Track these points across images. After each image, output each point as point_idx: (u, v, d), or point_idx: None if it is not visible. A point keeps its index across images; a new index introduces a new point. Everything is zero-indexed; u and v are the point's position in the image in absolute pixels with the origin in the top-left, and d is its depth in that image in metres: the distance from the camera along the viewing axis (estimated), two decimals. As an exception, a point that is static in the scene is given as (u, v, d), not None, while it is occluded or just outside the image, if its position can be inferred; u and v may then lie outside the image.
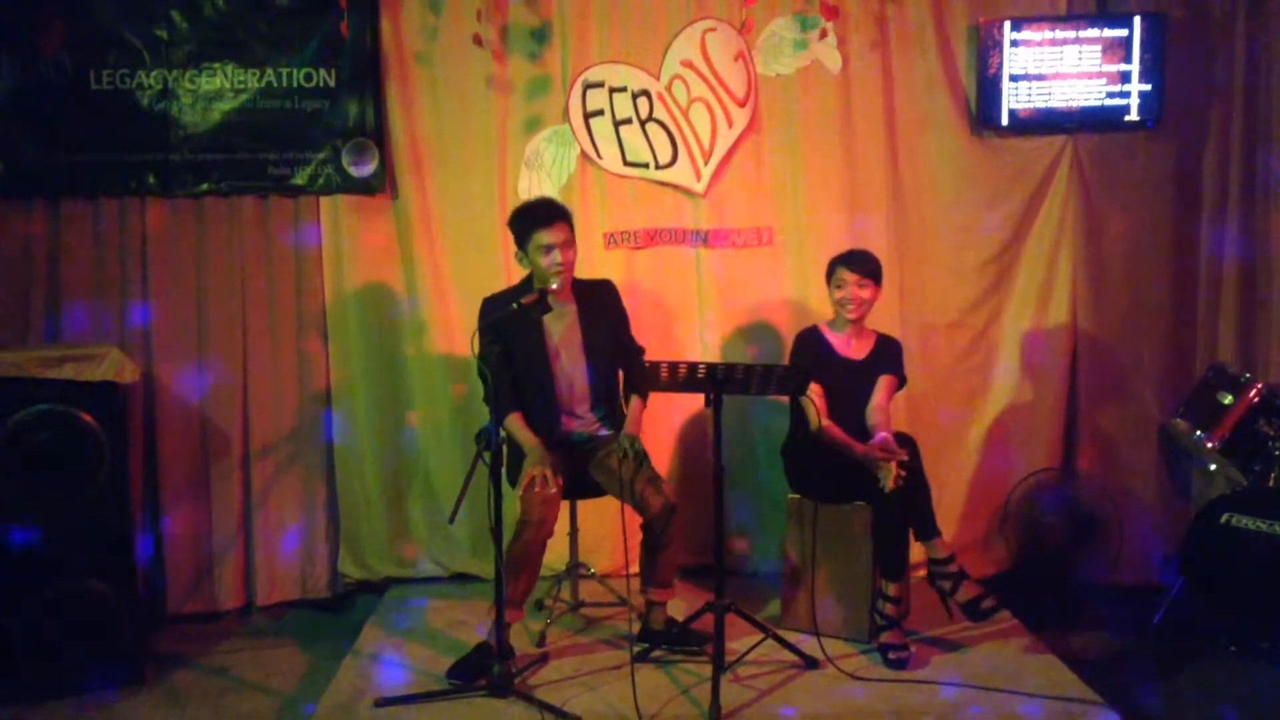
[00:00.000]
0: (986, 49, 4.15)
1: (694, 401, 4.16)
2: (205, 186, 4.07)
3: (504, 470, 3.17)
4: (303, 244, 4.18)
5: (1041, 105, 4.16)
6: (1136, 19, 4.09)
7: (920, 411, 4.26)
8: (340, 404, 4.22)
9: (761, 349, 4.28)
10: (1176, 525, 4.12)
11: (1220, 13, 4.16)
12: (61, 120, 3.99)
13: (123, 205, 4.08)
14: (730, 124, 4.21)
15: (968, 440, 4.33)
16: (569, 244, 3.45)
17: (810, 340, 3.69)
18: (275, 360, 4.19)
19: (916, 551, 3.58)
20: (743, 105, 4.21)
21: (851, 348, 3.66)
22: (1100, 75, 4.14)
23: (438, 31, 4.14)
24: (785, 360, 3.88)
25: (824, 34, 4.17)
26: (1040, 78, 4.15)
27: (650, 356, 3.58)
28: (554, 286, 3.37)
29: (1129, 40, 4.10)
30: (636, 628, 3.50)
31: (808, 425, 3.57)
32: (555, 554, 3.96)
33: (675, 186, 4.25)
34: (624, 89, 4.19)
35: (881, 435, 3.38)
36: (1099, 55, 4.13)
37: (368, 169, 4.13)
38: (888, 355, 3.68)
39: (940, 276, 4.30)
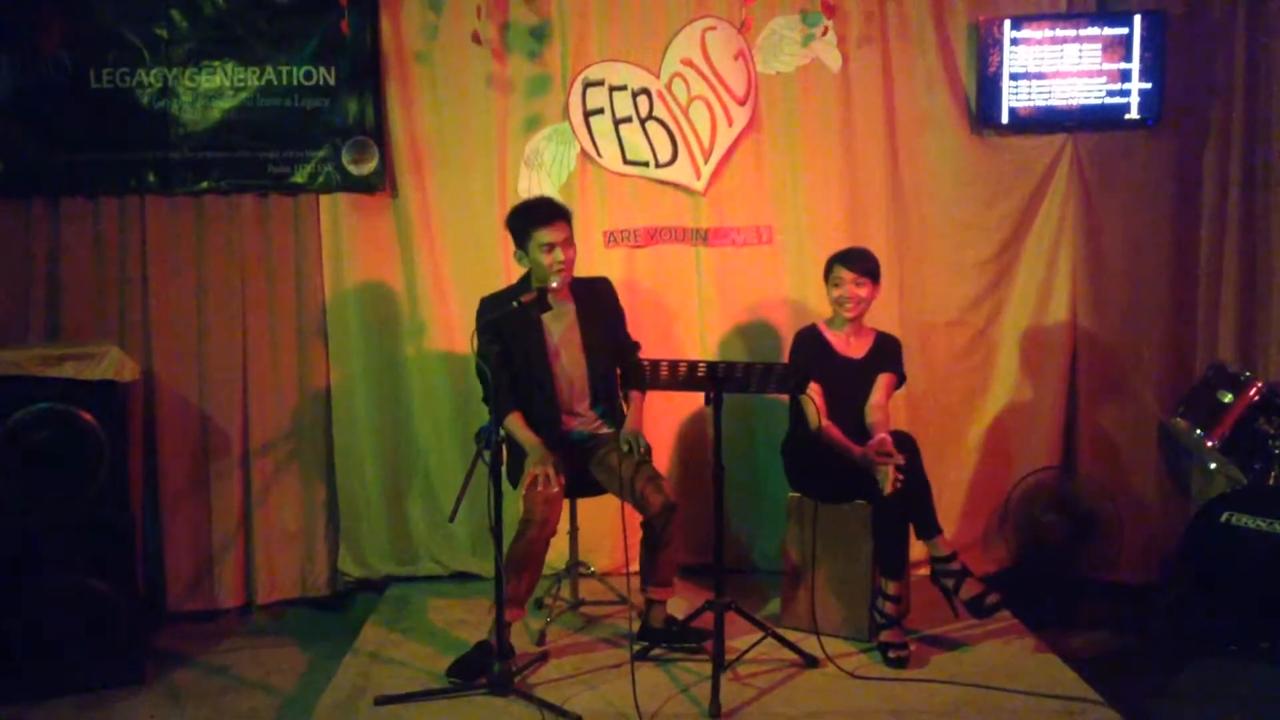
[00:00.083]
0: (986, 47, 4.15)
1: (693, 400, 4.16)
2: (205, 185, 4.07)
3: (504, 470, 3.17)
4: (303, 242, 4.18)
5: (1041, 104, 4.16)
6: (1137, 17, 4.09)
7: (920, 410, 4.26)
8: (340, 402, 4.22)
9: (761, 347, 4.27)
10: (1176, 524, 4.11)
11: (1220, 11, 4.15)
12: (61, 119, 3.99)
13: (122, 204, 4.08)
14: (730, 122, 4.21)
15: (968, 439, 4.33)
16: (569, 242, 3.45)
17: (809, 339, 3.69)
18: (275, 359, 4.19)
19: (916, 550, 3.59)
20: (743, 104, 4.21)
21: (850, 346, 3.66)
22: (1100, 74, 4.13)
23: (438, 30, 4.13)
24: (784, 359, 3.88)
25: (824, 32, 4.17)
26: (1040, 76, 4.14)
27: (650, 355, 3.58)
28: (554, 285, 3.36)
29: (1129, 39, 4.10)
30: (636, 626, 3.50)
31: (807, 424, 3.57)
32: (555, 552, 3.95)
33: (675, 185, 4.25)
34: (624, 87, 4.19)
35: (879, 437, 3.38)
36: (1099, 53, 4.13)
37: (367, 167, 4.13)
38: (887, 353, 3.67)
39: (940, 275, 4.30)
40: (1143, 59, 4.09)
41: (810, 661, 3.33)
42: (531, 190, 4.14)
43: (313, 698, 3.20)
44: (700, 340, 4.29)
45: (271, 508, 4.22)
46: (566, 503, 3.67)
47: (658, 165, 4.22)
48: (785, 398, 3.82)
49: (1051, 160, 4.24)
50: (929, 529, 3.44)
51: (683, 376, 3.11)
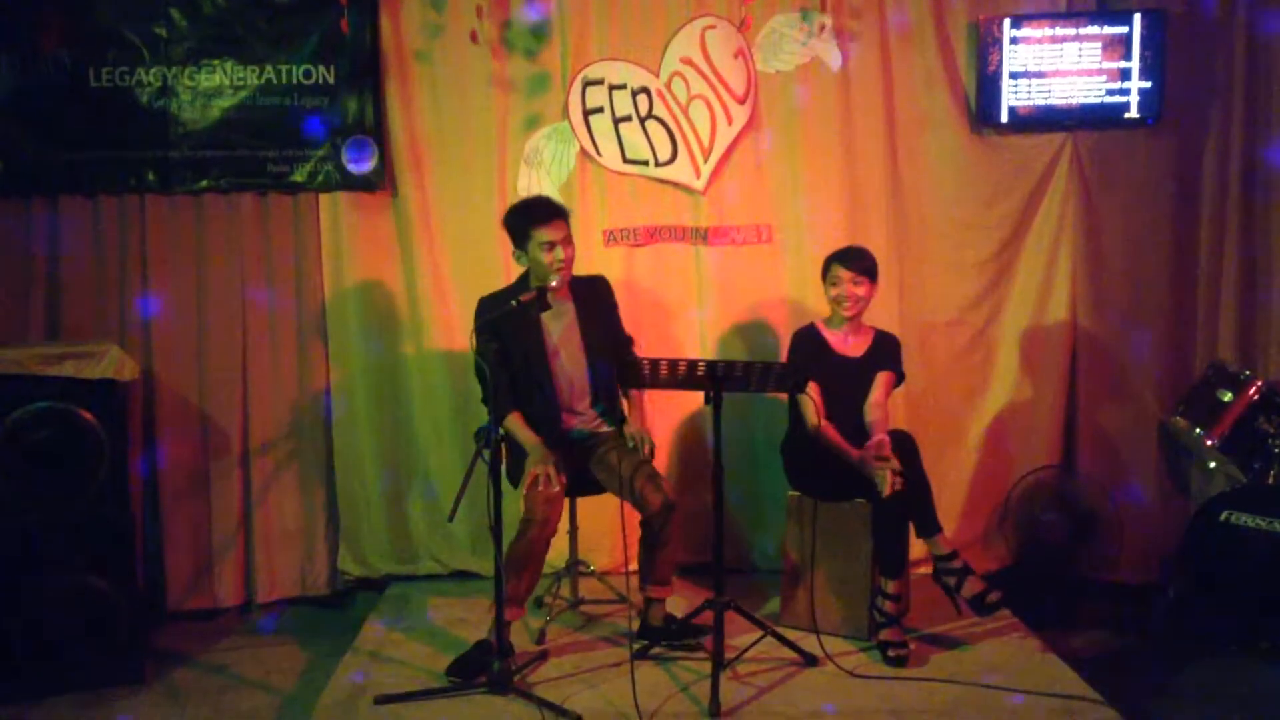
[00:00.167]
0: (986, 46, 4.14)
1: (693, 399, 4.16)
2: (205, 184, 4.07)
3: (504, 469, 3.17)
4: (302, 241, 4.18)
5: (1041, 103, 4.16)
6: (1136, 16, 4.08)
7: (920, 409, 4.26)
8: (340, 401, 4.22)
9: (761, 346, 4.27)
10: (1176, 523, 4.11)
11: (1220, 9, 4.15)
12: (61, 118, 3.99)
13: (122, 203, 4.08)
14: (730, 121, 4.21)
15: (967, 438, 4.33)
16: (568, 241, 3.45)
17: (807, 338, 3.68)
18: (275, 357, 4.19)
19: (917, 548, 3.59)
20: (742, 102, 4.21)
21: (849, 345, 3.66)
22: (1100, 72, 4.13)
23: (437, 29, 4.13)
24: (783, 358, 3.87)
25: (821, 29, 4.16)
26: (1040, 75, 4.14)
27: (649, 354, 3.58)
28: (554, 284, 3.36)
29: (1129, 37, 4.10)
30: (636, 625, 3.50)
31: (807, 423, 3.57)
32: (555, 551, 3.94)
33: (675, 184, 4.25)
34: (623, 86, 4.19)
35: (877, 439, 3.38)
36: (1099, 52, 4.13)
37: (367, 166, 4.13)
38: (886, 352, 3.67)
39: (940, 274, 4.30)
40: (1143, 58, 4.09)
41: (810, 660, 3.33)
42: (531, 189, 4.14)
43: (313, 697, 3.20)
44: (700, 339, 4.29)
45: (271, 507, 4.22)
46: (566, 502, 3.68)
47: (657, 164, 4.22)
48: (784, 397, 3.82)
49: (1051, 159, 4.24)
50: (929, 527, 3.44)
51: (682, 375, 3.11)
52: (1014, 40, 4.12)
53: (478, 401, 3.51)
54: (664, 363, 3.08)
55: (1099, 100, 4.14)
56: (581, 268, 3.67)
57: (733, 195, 4.25)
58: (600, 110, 4.19)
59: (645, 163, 4.22)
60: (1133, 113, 4.13)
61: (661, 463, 4.08)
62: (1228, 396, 3.73)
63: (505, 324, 3.36)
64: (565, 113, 4.19)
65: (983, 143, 4.27)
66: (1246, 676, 3.42)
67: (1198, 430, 3.78)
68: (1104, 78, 4.13)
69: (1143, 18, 4.08)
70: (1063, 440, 4.29)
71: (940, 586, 3.48)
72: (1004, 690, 3.12)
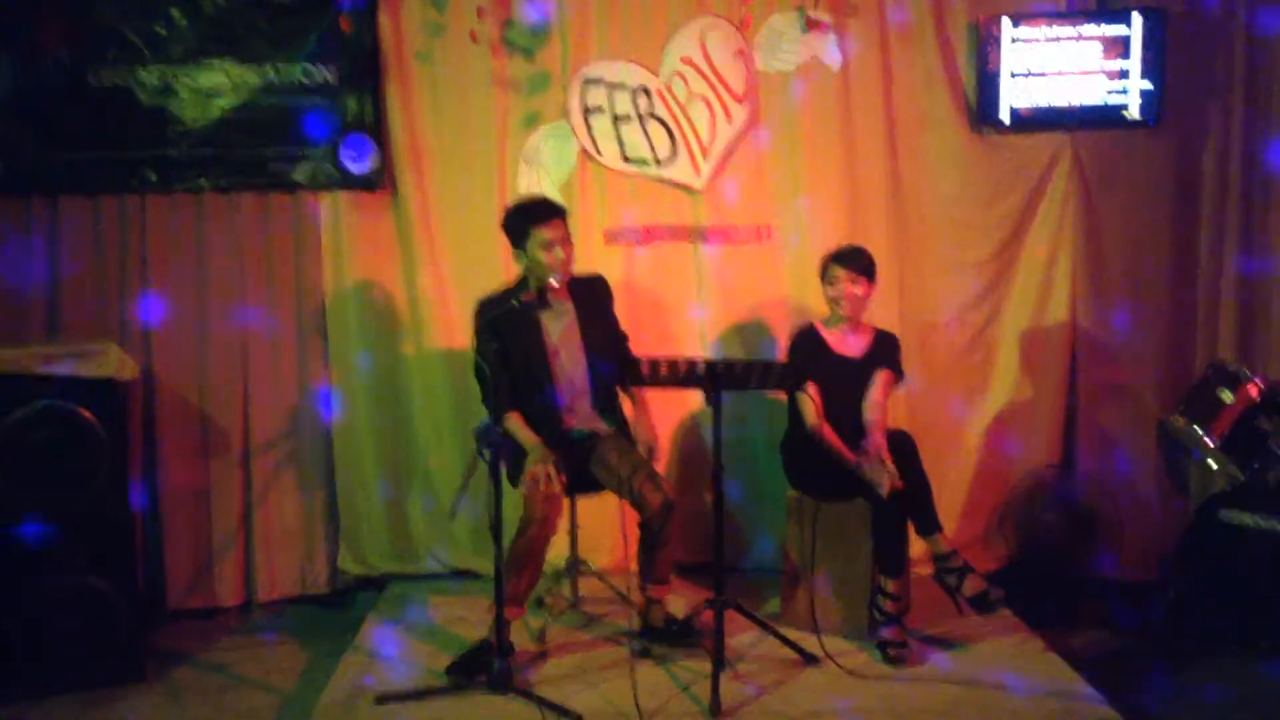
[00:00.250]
0: (986, 46, 4.14)
1: (692, 398, 4.19)
2: (204, 183, 4.07)
3: (504, 470, 3.17)
4: (302, 241, 4.18)
5: (1041, 103, 4.15)
6: (1137, 16, 4.08)
7: (920, 409, 4.26)
8: (340, 400, 4.22)
9: (760, 346, 4.27)
10: (1176, 522, 4.11)
11: (1220, 9, 4.15)
12: (61, 117, 3.98)
13: (122, 202, 4.08)
14: (730, 120, 4.21)
15: (967, 437, 4.33)
16: (567, 240, 3.45)
17: (806, 338, 3.68)
18: (275, 357, 4.19)
19: (917, 548, 3.59)
20: (742, 102, 4.20)
21: (848, 345, 3.66)
22: (1100, 73, 4.13)
23: (437, 28, 4.13)
24: (782, 358, 3.87)
25: (824, 30, 4.16)
26: (1040, 75, 4.14)
27: (649, 353, 3.57)
28: (554, 283, 3.37)
29: (1129, 37, 4.09)
30: (636, 625, 3.50)
31: (806, 423, 3.57)
32: (555, 550, 3.95)
33: (675, 183, 4.25)
34: (623, 85, 4.19)
35: (874, 441, 3.37)
36: (1099, 52, 4.13)
37: (367, 165, 4.13)
38: (885, 351, 3.67)
39: (940, 274, 4.30)
40: (1143, 58, 4.09)
41: (810, 660, 3.33)
42: (531, 188, 4.14)
43: (313, 696, 3.20)
44: (699, 338, 4.29)
45: (271, 506, 4.22)
46: (566, 501, 3.68)
47: (657, 163, 4.22)
48: (784, 396, 3.82)
49: (1051, 159, 4.24)
50: (929, 527, 3.45)
51: (682, 375, 3.11)
52: (1014, 40, 4.12)
53: (478, 401, 3.50)
54: (663, 362, 3.08)
55: (1099, 100, 4.14)
56: (581, 267, 3.67)
57: (732, 194, 4.25)
58: (600, 109, 4.19)
59: (645, 162, 4.22)
60: (1133, 113, 4.13)
61: (661, 462, 4.06)
62: (1228, 396, 3.72)
63: (505, 324, 3.36)
64: (565, 112, 4.19)
65: (983, 142, 4.27)
66: (1247, 676, 3.42)
67: (1198, 429, 3.77)
68: (1104, 78, 4.13)
69: (1143, 17, 4.08)
70: (1063, 440, 4.30)
71: (941, 586, 3.48)
72: (1004, 690, 3.12)
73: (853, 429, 3.51)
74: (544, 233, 3.38)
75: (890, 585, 3.43)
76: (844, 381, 3.59)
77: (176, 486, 4.12)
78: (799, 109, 4.21)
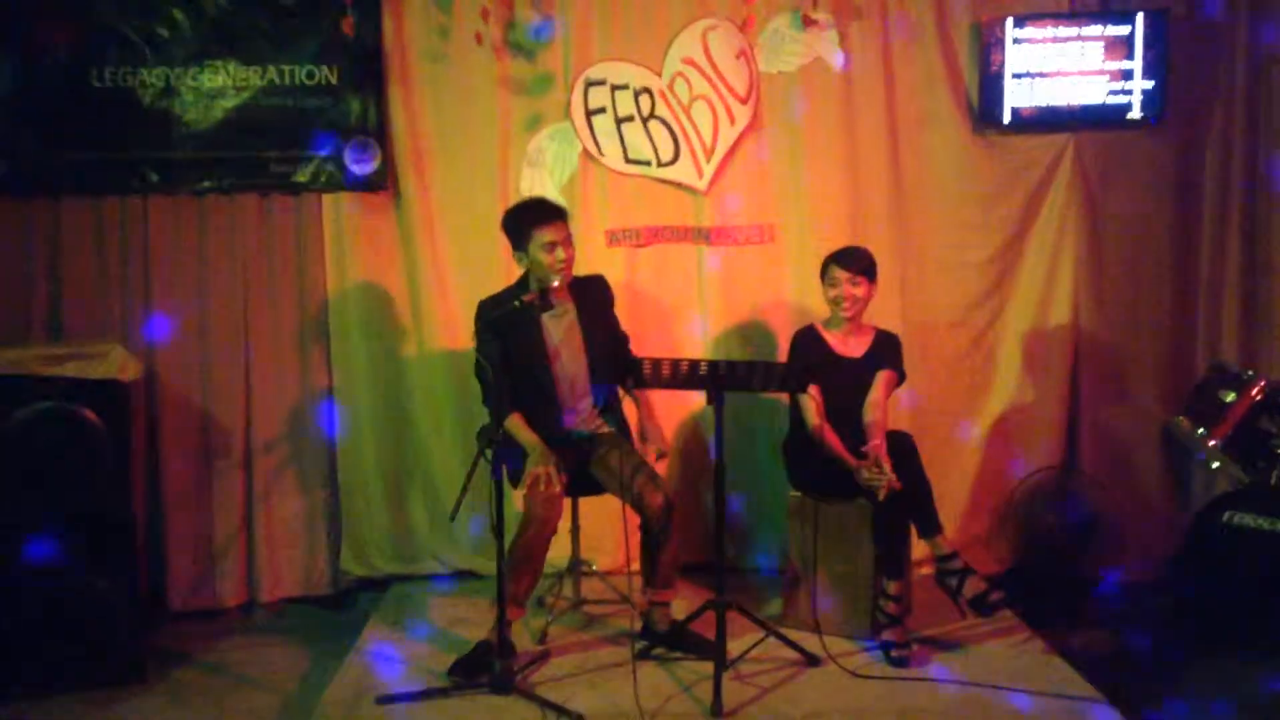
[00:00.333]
0: (988, 46, 4.14)
1: (694, 399, 4.19)
2: (207, 184, 4.08)
3: (505, 470, 3.17)
4: (305, 242, 4.18)
5: (1044, 103, 4.15)
6: (1139, 16, 4.08)
7: (922, 410, 4.26)
8: (342, 401, 4.22)
9: (763, 346, 4.27)
10: (1178, 523, 4.11)
11: (1222, 9, 4.15)
12: (63, 118, 3.99)
13: (124, 203, 4.08)
14: (732, 121, 4.21)
15: (970, 438, 4.32)
16: (568, 241, 3.45)
17: (807, 339, 3.68)
18: (277, 357, 4.19)
19: (919, 549, 3.59)
20: (744, 103, 4.21)
21: (849, 345, 3.66)
22: (1102, 73, 4.13)
23: (440, 30, 4.14)
24: (784, 360, 3.87)
25: (824, 30, 4.17)
26: (1042, 75, 4.14)
27: (651, 354, 3.58)
28: (556, 284, 3.37)
29: (1131, 38, 4.10)
30: (638, 625, 3.50)
31: (807, 424, 3.56)
32: (557, 551, 3.95)
33: (677, 184, 4.25)
34: (626, 86, 4.19)
35: (872, 444, 3.37)
36: (1101, 53, 4.12)
37: (370, 167, 4.13)
38: (886, 351, 3.66)
39: (942, 275, 4.30)
40: (1145, 58, 4.09)
41: (812, 661, 3.33)
42: (534, 190, 4.14)
43: (315, 696, 3.20)
44: (702, 339, 4.29)
45: (274, 506, 4.22)
46: (568, 501, 3.68)
47: (660, 164, 4.22)
48: (786, 397, 3.82)
49: (1053, 160, 4.24)
50: (930, 528, 3.44)
51: (684, 375, 3.11)
52: (1016, 40, 4.12)
53: (479, 401, 3.51)
54: (666, 362, 3.08)
55: (1101, 101, 4.14)
56: (584, 268, 3.68)
57: (735, 195, 4.25)
58: (603, 111, 4.20)
59: (648, 163, 4.22)
60: (1135, 113, 4.13)
61: (663, 462, 4.07)
62: (1230, 397, 3.72)
63: (506, 325, 3.36)
64: (568, 113, 4.19)
65: (985, 143, 4.27)
66: (1249, 675, 3.41)
67: (1200, 430, 3.77)
68: (1106, 78, 4.13)
69: (1145, 18, 4.08)
70: (1065, 441, 4.29)
71: (942, 587, 3.47)
72: (1006, 690, 3.12)
73: (854, 429, 3.51)
74: (545, 234, 3.39)
75: (892, 587, 3.43)
76: (845, 382, 3.59)
77: (179, 487, 4.12)
78: (801, 110, 4.21)
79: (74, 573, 3.37)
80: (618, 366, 3.58)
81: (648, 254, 4.28)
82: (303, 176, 4.11)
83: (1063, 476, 4.22)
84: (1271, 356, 4.13)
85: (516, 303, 3.28)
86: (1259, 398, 3.69)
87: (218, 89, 4.06)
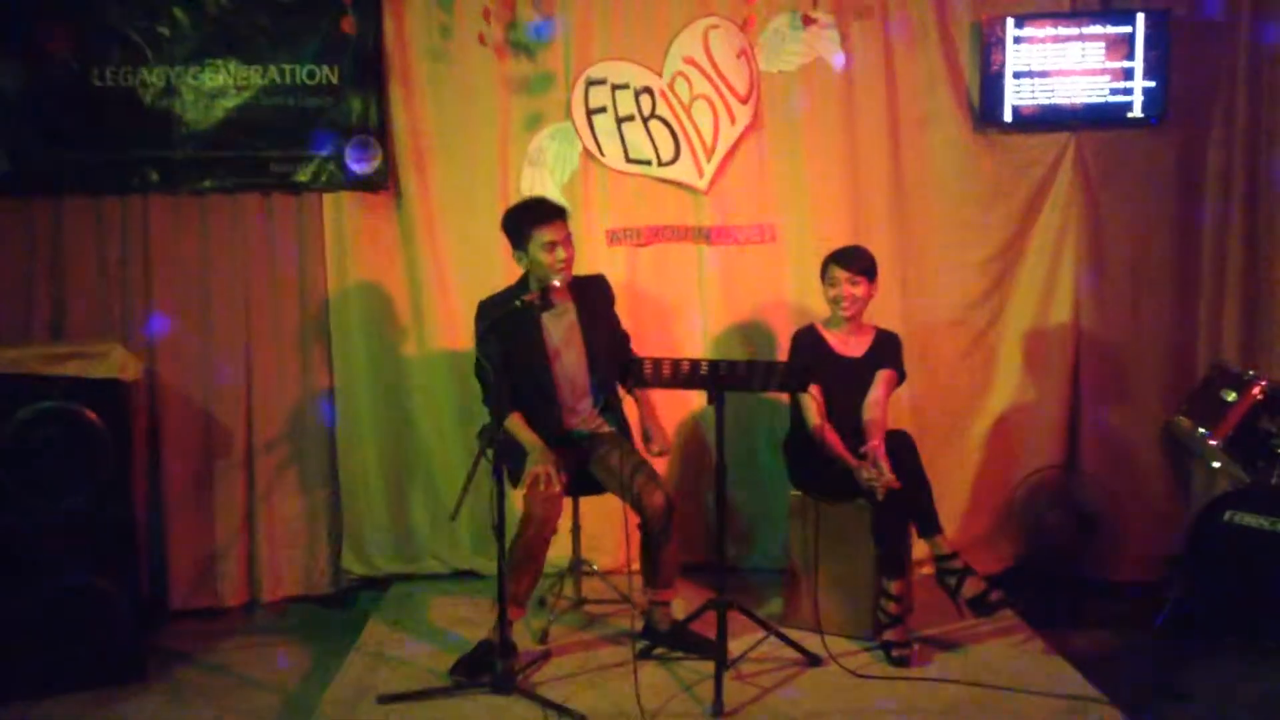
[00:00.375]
0: (989, 46, 4.14)
1: (694, 398, 4.19)
2: (208, 183, 4.08)
3: (505, 470, 3.17)
4: (305, 241, 4.19)
5: (1045, 102, 4.15)
6: (1140, 15, 4.08)
7: (923, 409, 4.26)
8: (343, 400, 4.23)
9: (763, 346, 4.27)
10: (1179, 523, 4.11)
11: (1223, 8, 4.14)
12: (65, 118, 3.99)
13: (125, 202, 4.08)
14: (733, 121, 4.21)
15: (970, 438, 4.32)
16: (568, 241, 3.45)
17: (807, 339, 3.68)
18: (278, 357, 4.19)
19: (921, 548, 3.59)
20: (745, 102, 4.21)
21: (849, 345, 3.66)
22: (1104, 72, 4.13)
23: (441, 29, 4.14)
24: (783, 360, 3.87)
25: (825, 29, 4.16)
26: (1043, 74, 4.14)
27: (652, 354, 3.58)
28: (558, 283, 3.37)
29: (1132, 37, 4.09)
30: (639, 625, 3.50)
31: (808, 423, 3.56)
32: (558, 551, 3.95)
33: (678, 184, 4.25)
34: (626, 86, 4.19)
35: (871, 445, 3.37)
36: (1102, 52, 4.12)
37: (370, 166, 4.13)
38: (887, 350, 3.66)
39: (943, 274, 4.29)
40: (1146, 57, 4.09)
41: (813, 660, 3.33)
42: (535, 189, 4.14)
43: (316, 696, 3.20)
44: (702, 338, 4.29)
45: (275, 505, 4.23)
46: (569, 501, 3.68)
47: (660, 164, 4.22)
48: (786, 396, 3.82)
49: (1054, 159, 4.23)
50: (930, 528, 3.44)
51: (685, 375, 3.11)
52: (1017, 40, 4.12)
53: (480, 401, 3.51)
54: (666, 362, 3.08)
55: (1102, 100, 4.14)
56: (585, 267, 3.67)
57: (736, 195, 4.25)
58: (603, 110, 4.19)
59: (648, 162, 4.22)
60: (1136, 112, 4.13)
61: (663, 461, 4.07)
62: (1231, 396, 3.72)
63: (506, 325, 3.36)
64: (568, 112, 4.19)
65: (986, 142, 4.26)
66: (1250, 675, 3.42)
67: (1201, 430, 3.77)
68: (1107, 77, 4.13)
69: (1146, 17, 4.08)
70: (1066, 440, 4.29)
71: (941, 587, 3.47)
72: (1008, 690, 3.12)
73: (854, 429, 3.51)
74: (545, 233, 3.38)
75: (893, 586, 3.43)
76: (845, 382, 3.59)
77: (180, 486, 4.12)
78: (802, 109, 4.21)
79: (75, 572, 3.37)
80: (618, 365, 3.58)
81: (648, 253, 4.28)
82: (303, 176, 4.11)
83: (1064, 476, 4.22)
84: (1273, 356, 4.12)
85: (518, 302, 3.28)
86: (1260, 397, 3.68)
87: (219, 88, 4.06)
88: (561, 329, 3.54)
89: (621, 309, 3.75)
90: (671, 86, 4.20)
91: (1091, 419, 4.29)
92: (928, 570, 3.63)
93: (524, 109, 4.20)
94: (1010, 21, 4.12)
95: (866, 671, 3.27)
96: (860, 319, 3.66)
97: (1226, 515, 3.61)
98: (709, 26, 4.18)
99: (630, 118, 4.20)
